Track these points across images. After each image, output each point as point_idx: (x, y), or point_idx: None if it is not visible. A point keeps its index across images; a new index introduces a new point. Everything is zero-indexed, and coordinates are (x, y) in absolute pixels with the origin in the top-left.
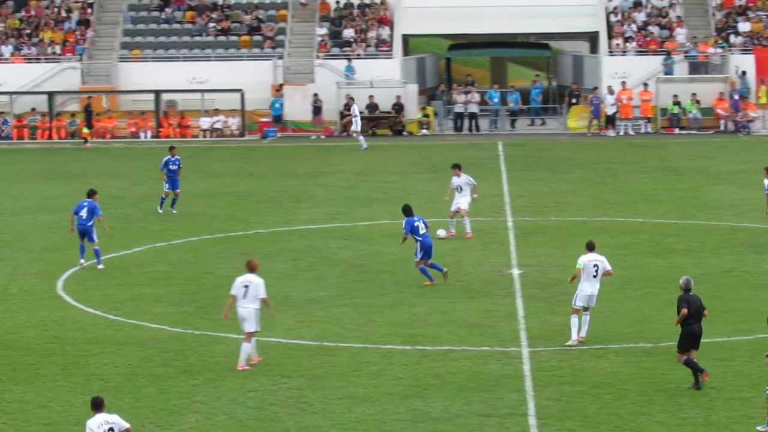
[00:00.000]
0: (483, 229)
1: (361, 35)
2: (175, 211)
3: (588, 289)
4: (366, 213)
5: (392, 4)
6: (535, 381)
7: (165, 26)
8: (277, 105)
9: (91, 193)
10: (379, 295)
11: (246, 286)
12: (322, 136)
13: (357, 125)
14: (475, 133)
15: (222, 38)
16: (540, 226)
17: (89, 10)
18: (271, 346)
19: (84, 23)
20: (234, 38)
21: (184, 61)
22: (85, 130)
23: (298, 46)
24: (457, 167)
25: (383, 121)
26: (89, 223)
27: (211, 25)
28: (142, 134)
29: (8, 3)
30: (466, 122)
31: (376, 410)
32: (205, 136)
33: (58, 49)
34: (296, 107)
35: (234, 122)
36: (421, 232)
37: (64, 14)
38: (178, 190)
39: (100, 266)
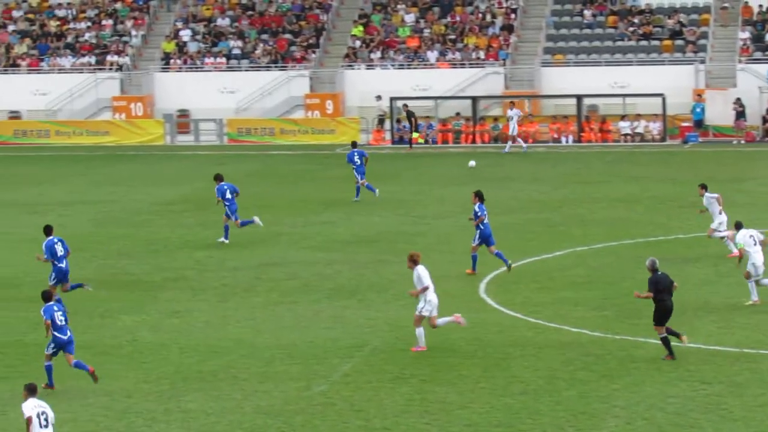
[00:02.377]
0: None
1: None
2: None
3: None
4: None
5: None
6: None
7: (587, 31)
8: (698, 110)
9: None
10: None
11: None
12: (743, 141)
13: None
14: None
15: (643, 43)
16: None
17: (513, 16)
18: (692, 352)
19: (507, 28)
20: (655, 43)
21: (606, 65)
22: (414, 135)
23: (719, 50)
24: None
25: None
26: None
27: (633, 29)
28: (563, 139)
29: (434, 9)
30: None
31: None
32: (625, 141)
33: (482, 54)
34: (718, 112)
35: (655, 127)
36: None
37: (488, 20)
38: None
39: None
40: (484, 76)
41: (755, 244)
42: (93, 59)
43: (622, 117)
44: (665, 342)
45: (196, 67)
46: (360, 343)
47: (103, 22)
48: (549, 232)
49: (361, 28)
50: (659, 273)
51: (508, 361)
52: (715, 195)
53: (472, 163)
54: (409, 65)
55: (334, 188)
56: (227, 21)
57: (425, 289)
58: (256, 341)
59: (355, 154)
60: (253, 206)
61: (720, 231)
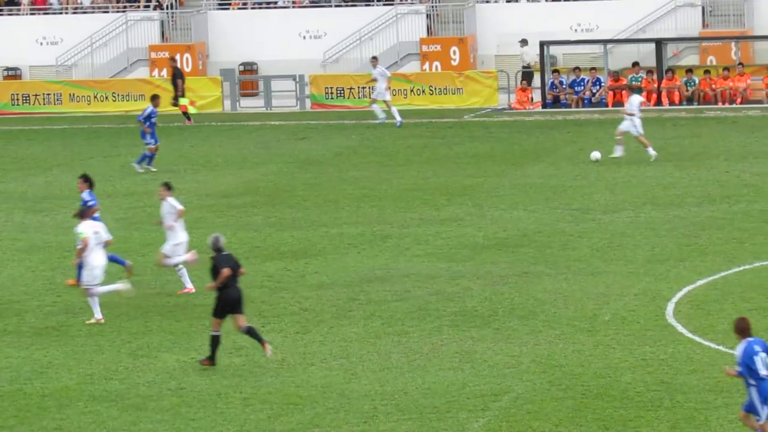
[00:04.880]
0: None
1: None
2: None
3: None
4: None
5: None
6: None
7: None
8: None
9: None
10: None
11: None
12: None
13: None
14: None
15: None
16: None
17: None
18: None
19: None
20: None
21: None
22: (182, 102)
23: None
24: None
25: None
26: None
27: None
28: None
29: None
30: None
31: None
32: None
33: None
34: None
35: None
36: None
37: None
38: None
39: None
40: (674, 10)
41: None
42: None
43: None
44: (213, 342)
45: (267, 3)
46: (497, 390)
47: None
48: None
49: None
50: (225, 253)
51: (705, 413)
52: None
53: (595, 154)
54: None
55: (462, 171)
56: None
57: None
58: (350, 388)
59: None
60: (348, 197)
61: None
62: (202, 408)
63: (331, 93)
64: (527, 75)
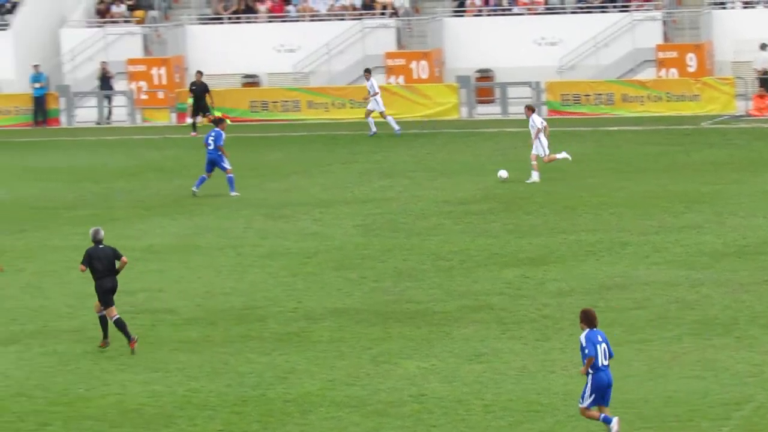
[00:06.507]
0: None
1: None
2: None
3: None
4: None
5: None
6: None
7: None
8: None
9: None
10: None
11: None
12: None
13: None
14: None
15: None
16: None
17: None
18: None
19: None
20: None
21: None
22: (216, 113)
23: None
24: None
25: None
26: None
27: None
28: None
29: None
30: None
31: None
32: None
33: None
34: None
35: None
36: None
37: None
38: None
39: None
40: None
41: None
42: (358, 1)
43: None
44: (102, 321)
45: (502, 10)
46: (739, 399)
47: None
48: None
49: None
50: (102, 246)
51: None
52: None
53: (502, 173)
54: None
55: (700, 178)
56: None
57: None
58: None
59: None
60: (585, 204)
61: None
62: (443, 415)
63: (568, 99)
64: (765, 81)
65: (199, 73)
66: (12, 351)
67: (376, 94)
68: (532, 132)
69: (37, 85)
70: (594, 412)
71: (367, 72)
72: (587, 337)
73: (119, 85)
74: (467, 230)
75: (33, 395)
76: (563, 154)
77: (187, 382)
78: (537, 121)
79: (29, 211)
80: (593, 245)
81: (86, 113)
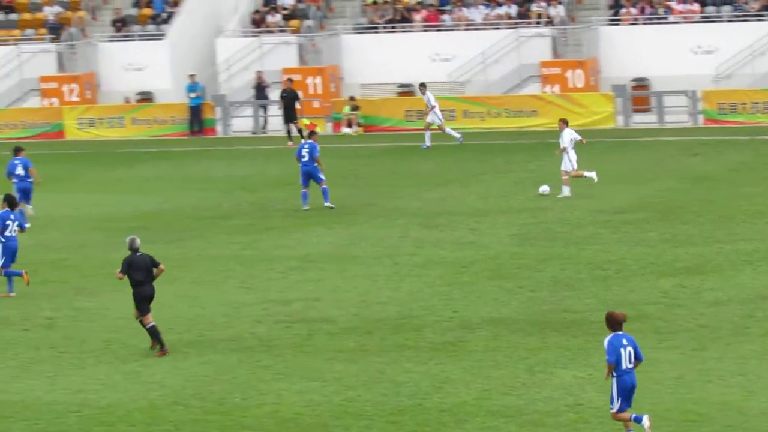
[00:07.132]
0: None
1: None
2: None
3: None
4: None
5: None
6: None
7: None
8: None
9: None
10: None
11: None
12: None
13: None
14: None
15: None
16: None
17: None
18: None
19: None
20: None
21: None
22: (305, 121)
23: None
24: None
25: None
26: None
27: None
28: None
29: None
30: None
31: None
32: None
33: None
34: None
35: None
36: None
37: None
38: None
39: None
40: None
41: None
42: (514, 10)
43: None
44: (150, 330)
45: (657, 18)
46: None
47: None
48: None
49: None
50: (139, 254)
51: None
52: None
53: (544, 189)
54: None
55: None
56: None
57: None
58: (748, 406)
59: None
60: (743, 213)
61: None
62: (599, 424)
63: (725, 108)
64: None
65: (289, 80)
66: (168, 360)
67: (433, 107)
68: (561, 145)
69: (193, 95)
70: (625, 414)
71: (422, 86)
72: (610, 342)
73: (274, 94)
74: (624, 239)
75: (189, 404)
76: (591, 174)
77: (344, 392)
78: (566, 137)
79: (186, 221)
80: (750, 254)
81: (242, 122)
